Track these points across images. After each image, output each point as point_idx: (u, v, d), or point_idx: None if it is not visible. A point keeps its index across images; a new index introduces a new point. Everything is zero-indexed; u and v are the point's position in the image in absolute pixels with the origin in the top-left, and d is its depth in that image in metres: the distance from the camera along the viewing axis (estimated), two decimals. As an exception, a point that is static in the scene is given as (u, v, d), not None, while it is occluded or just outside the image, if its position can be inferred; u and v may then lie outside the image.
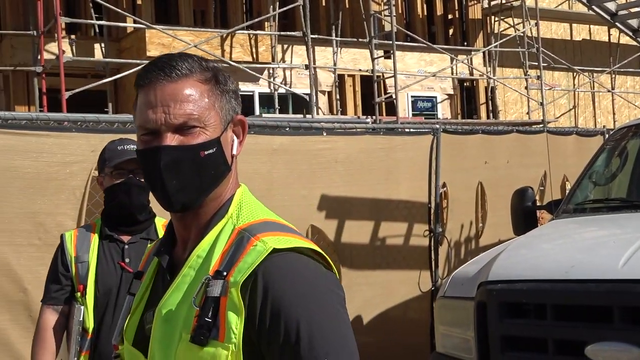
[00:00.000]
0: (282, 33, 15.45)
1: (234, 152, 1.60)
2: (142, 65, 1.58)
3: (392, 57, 15.64)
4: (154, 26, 13.78)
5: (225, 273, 1.46)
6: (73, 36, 14.35)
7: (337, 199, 6.23)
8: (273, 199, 5.83)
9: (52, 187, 4.99)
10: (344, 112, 16.34)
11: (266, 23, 15.67)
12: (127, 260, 3.32)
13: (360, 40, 16.12)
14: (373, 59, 15.65)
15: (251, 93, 15.61)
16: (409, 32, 16.95)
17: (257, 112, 15.27)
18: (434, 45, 16.92)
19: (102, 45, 14.44)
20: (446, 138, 6.95)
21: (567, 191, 8.12)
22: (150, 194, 1.79)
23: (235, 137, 1.61)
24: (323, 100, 16.32)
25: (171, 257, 1.62)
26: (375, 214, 6.50)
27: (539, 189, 7.98)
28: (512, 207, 5.67)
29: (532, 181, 7.28)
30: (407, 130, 7.74)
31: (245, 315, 1.44)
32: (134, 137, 5.11)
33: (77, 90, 12.38)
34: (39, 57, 12.79)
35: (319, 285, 1.50)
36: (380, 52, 16.37)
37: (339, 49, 16.24)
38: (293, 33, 15.24)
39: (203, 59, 1.60)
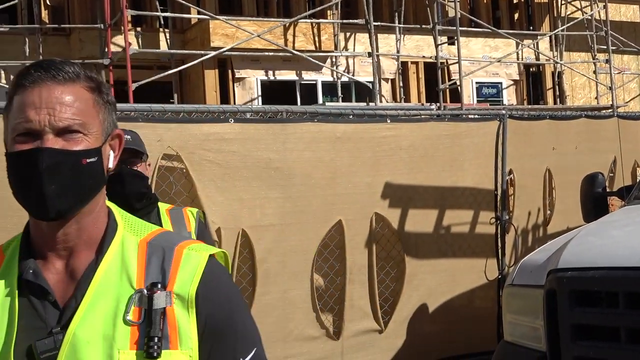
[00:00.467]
0: (345, 21, 15.40)
1: (110, 165, 1.55)
2: (27, 65, 1.52)
3: (456, 43, 15.45)
4: (217, 17, 13.89)
5: (158, 284, 1.46)
6: (139, 28, 14.58)
7: (401, 186, 6.18)
8: (337, 187, 5.82)
9: (119, 176, 5.07)
10: (407, 100, 16.22)
11: (329, 11, 15.64)
12: None
13: (423, 26, 15.96)
14: (437, 46, 15.49)
15: (314, 82, 15.62)
16: (473, 18, 16.72)
17: (320, 101, 15.28)
18: (499, 30, 16.65)
19: (167, 36, 14.64)
20: (512, 124, 6.83)
21: (639, 177, 7.89)
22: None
23: (111, 151, 1.56)
24: (386, 88, 16.23)
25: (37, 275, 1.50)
26: (440, 202, 6.43)
27: (608, 175, 7.78)
28: (581, 193, 5.54)
29: (601, 167, 7.10)
30: (472, 116, 7.63)
31: (197, 319, 1.49)
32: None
33: (143, 82, 12.59)
34: (106, 50, 13.04)
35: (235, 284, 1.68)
36: (444, 38, 16.18)
37: (402, 35, 16.12)
38: (356, 21, 15.18)
39: (85, 67, 1.56)
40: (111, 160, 1.55)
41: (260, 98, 14.94)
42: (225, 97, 14.69)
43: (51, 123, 1.44)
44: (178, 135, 5.23)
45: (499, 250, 6.77)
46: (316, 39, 15.13)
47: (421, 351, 6.26)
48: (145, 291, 1.46)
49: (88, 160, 1.47)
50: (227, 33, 14.07)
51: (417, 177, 6.28)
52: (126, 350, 1.43)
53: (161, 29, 14.78)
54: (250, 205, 5.47)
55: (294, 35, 14.89)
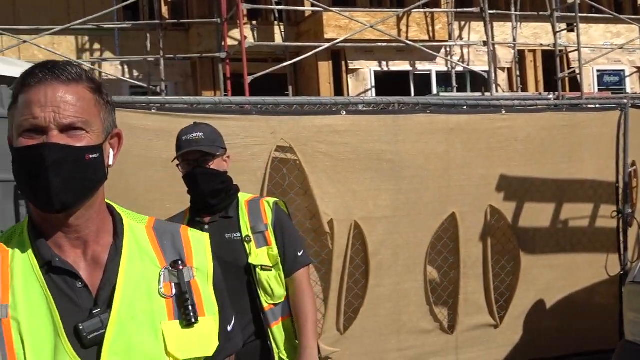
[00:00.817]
0: (459, 10, 15.16)
1: (110, 162, 1.62)
2: (32, 66, 1.58)
3: (575, 30, 14.93)
4: (331, 9, 13.96)
5: (179, 262, 1.63)
6: (254, 22, 14.83)
7: (516, 178, 6.03)
8: (450, 179, 5.74)
9: (235, 168, 5.15)
10: (524, 89, 15.82)
11: (442, 0, 15.43)
12: None
13: (541, 13, 15.51)
14: (555, 33, 15.01)
15: (428, 72, 15.47)
16: (593, 3, 16.10)
17: (434, 91, 15.12)
18: (621, 16, 15.97)
19: (282, 29, 14.83)
20: (635, 114, 6.54)
21: None
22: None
23: (111, 149, 1.63)
24: (502, 77, 15.88)
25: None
26: (558, 194, 6.23)
27: None
28: None
29: None
30: (591, 106, 7.35)
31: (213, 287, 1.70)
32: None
33: (258, 75, 12.80)
34: (223, 43, 13.33)
35: None
36: (563, 25, 15.66)
37: (519, 23, 15.72)
38: (470, 9, 14.92)
39: (86, 70, 1.64)
40: (111, 158, 1.63)
41: (374, 89, 14.92)
42: (338, 89, 14.76)
43: (56, 120, 1.51)
44: (291, 127, 5.29)
45: (621, 245, 6.51)
46: (430, 28, 14.96)
47: (538, 347, 6.11)
48: (170, 268, 1.62)
49: (91, 156, 1.54)
50: (341, 25, 14.11)
51: (534, 169, 6.11)
52: (165, 321, 1.58)
53: (276, 22, 14.98)
54: (363, 197, 5.48)
55: (407, 26, 14.78)
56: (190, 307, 1.59)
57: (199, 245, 1.70)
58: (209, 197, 3.40)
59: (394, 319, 5.61)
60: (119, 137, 1.66)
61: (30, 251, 1.56)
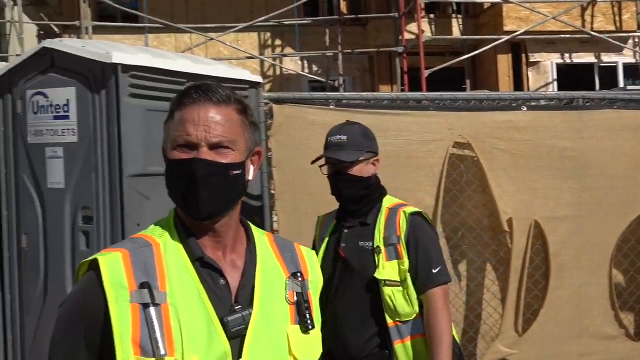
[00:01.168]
0: (651, -3, 14.28)
1: (249, 177, 1.78)
2: (189, 86, 1.75)
3: None
4: (511, 0, 13.57)
5: (299, 274, 1.80)
6: (432, 15, 14.71)
7: None
8: (639, 178, 5.44)
9: (411, 165, 5.15)
10: None
11: (632, -12, 14.60)
12: (343, 245, 3.31)
13: None
14: None
15: (614, 64, 14.69)
16: None
17: (620, 84, 14.34)
18: None
19: (460, 22, 14.61)
20: None
21: None
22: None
23: (252, 166, 1.79)
24: (699, 69, 14.80)
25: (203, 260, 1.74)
26: None
27: None
28: None
29: None
30: None
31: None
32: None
33: (436, 69, 12.69)
34: (400, 38, 13.32)
35: None
36: None
37: None
38: (663, -4, 14.02)
39: (235, 92, 1.78)
40: (251, 173, 1.78)
41: (555, 83, 14.37)
42: (518, 83, 14.34)
43: (206, 138, 1.68)
44: (469, 123, 5.19)
45: None
46: (617, 18, 14.20)
47: None
48: (293, 278, 1.79)
49: (234, 172, 1.71)
50: (521, 16, 13.69)
51: None
52: (289, 325, 1.75)
53: (454, 15, 14.78)
54: (544, 196, 5.29)
55: (592, 16, 14.11)
56: (308, 315, 1.78)
57: (312, 261, 1.88)
58: (349, 203, 3.31)
59: (575, 322, 5.38)
60: (259, 154, 1.81)
61: (181, 247, 1.72)
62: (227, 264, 1.75)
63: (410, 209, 3.27)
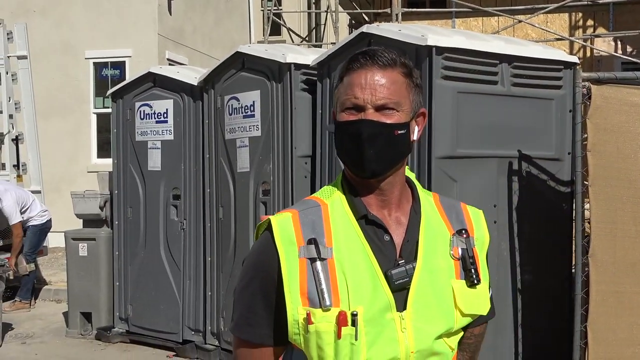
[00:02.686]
0: None
1: (414, 137, 1.82)
2: (356, 52, 1.82)
3: None
4: None
5: (464, 231, 1.85)
6: None
7: None
8: None
9: None
10: None
11: None
12: None
13: None
14: None
15: None
16: None
17: None
18: None
19: None
20: None
21: None
22: None
23: (416, 126, 1.84)
24: None
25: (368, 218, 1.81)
26: None
27: None
28: None
29: None
30: None
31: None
32: None
33: None
34: None
35: None
36: None
37: None
38: None
39: (402, 54, 1.82)
40: (416, 134, 1.84)
41: None
42: None
43: (372, 100, 1.75)
44: None
45: None
46: None
47: None
48: (457, 235, 1.84)
49: (399, 132, 1.77)
50: None
51: None
52: (454, 279, 1.80)
53: None
54: None
55: None
56: (473, 270, 1.81)
57: (477, 219, 1.92)
58: None
59: None
60: (424, 115, 1.87)
61: (347, 205, 1.82)
62: (391, 220, 1.82)
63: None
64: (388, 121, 1.76)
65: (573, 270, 5.19)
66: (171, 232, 7.25)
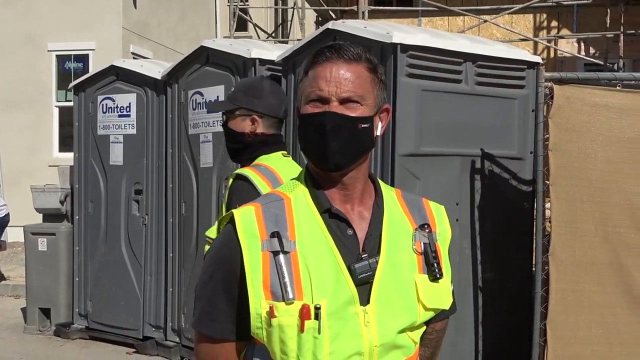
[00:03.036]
0: None
1: (377, 133, 1.85)
2: (322, 47, 1.83)
3: None
4: None
5: (426, 225, 1.86)
6: None
7: None
8: None
9: None
10: None
11: None
12: None
13: None
14: None
15: None
16: None
17: None
18: None
19: None
20: None
21: None
22: None
23: (380, 122, 1.86)
24: None
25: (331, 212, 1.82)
26: None
27: None
28: None
29: None
30: None
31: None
32: None
33: None
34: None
35: None
36: None
37: None
38: None
39: (367, 50, 1.84)
40: (379, 129, 1.86)
41: None
42: None
43: (337, 93, 1.76)
44: None
45: None
46: None
47: None
48: (420, 229, 1.86)
49: (362, 126, 1.79)
50: None
51: None
52: (417, 273, 1.82)
53: None
54: None
55: None
56: (436, 265, 1.83)
57: (439, 214, 1.94)
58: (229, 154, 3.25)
59: None
60: (387, 112, 1.89)
61: (310, 199, 1.82)
62: (354, 215, 1.83)
63: (241, 171, 2.97)
64: (352, 114, 1.77)
65: (533, 269, 5.23)
66: (133, 227, 7.19)
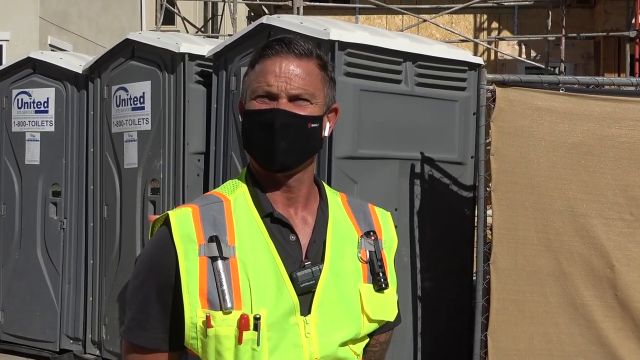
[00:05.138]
0: None
1: (325, 133, 1.77)
2: (271, 40, 1.76)
3: None
4: None
5: (372, 233, 1.79)
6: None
7: None
8: None
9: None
10: None
11: None
12: None
13: None
14: None
15: None
16: None
17: None
18: None
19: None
20: None
21: None
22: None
23: (328, 122, 1.78)
24: None
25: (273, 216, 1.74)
26: None
27: None
28: None
29: None
30: None
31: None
32: None
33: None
34: (633, 21, 12.37)
35: None
36: None
37: None
38: None
39: (317, 46, 1.78)
40: (327, 130, 1.78)
41: None
42: None
43: (287, 89, 1.68)
44: None
45: None
46: None
47: None
48: (365, 237, 1.78)
49: (312, 125, 1.71)
50: None
51: None
52: (361, 283, 1.74)
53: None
54: None
55: None
56: (382, 274, 1.76)
57: (385, 221, 1.87)
58: None
59: None
60: (336, 111, 1.81)
61: (251, 202, 1.73)
62: (298, 219, 1.76)
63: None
64: (302, 113, 1.70)
65: (474, 278, 5.14)
66: (50, 231, 6.83)
